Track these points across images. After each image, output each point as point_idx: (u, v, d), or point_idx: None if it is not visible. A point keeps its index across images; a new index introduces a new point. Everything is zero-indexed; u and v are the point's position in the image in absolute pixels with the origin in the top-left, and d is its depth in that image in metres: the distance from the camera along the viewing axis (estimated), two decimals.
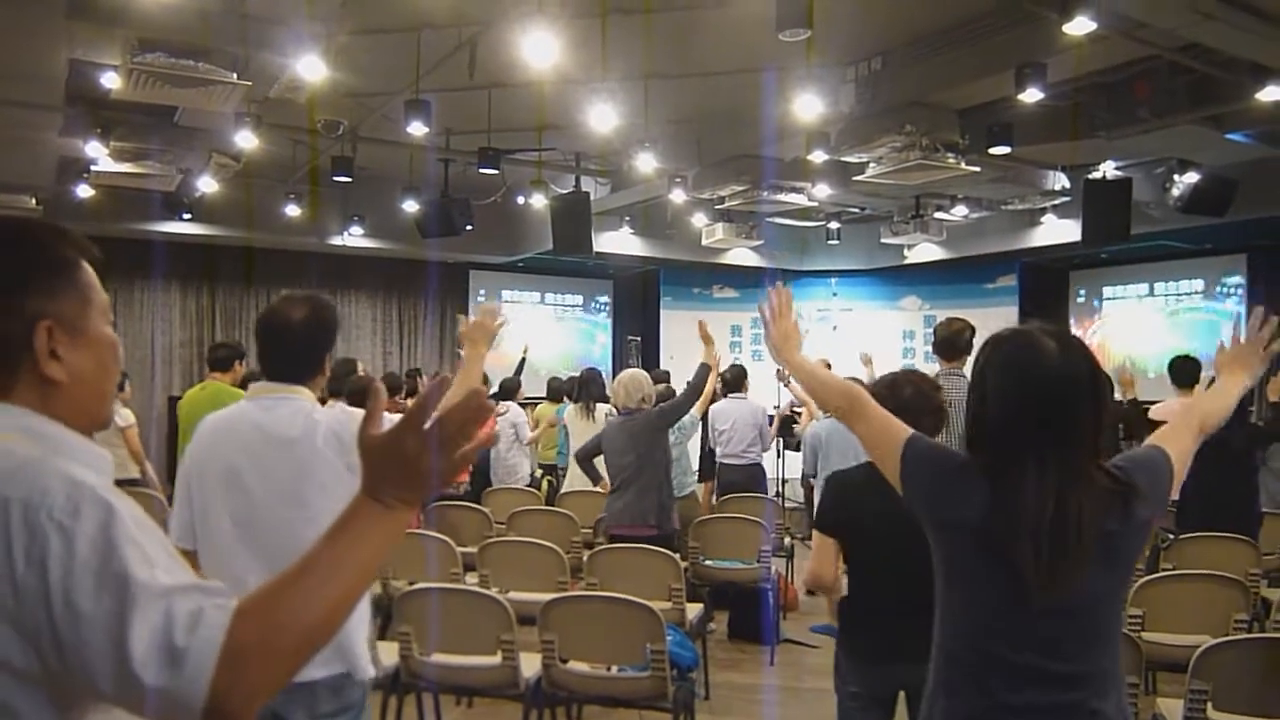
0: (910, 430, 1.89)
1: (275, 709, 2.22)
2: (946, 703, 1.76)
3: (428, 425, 1.09)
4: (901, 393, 2.83)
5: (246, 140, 7.44)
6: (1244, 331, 2.21)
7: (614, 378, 6.15)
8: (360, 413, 2.48)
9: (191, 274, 12.24)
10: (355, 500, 1.11)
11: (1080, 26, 5.16)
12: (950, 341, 4.54)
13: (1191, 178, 8.68)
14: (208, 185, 9.00)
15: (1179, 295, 12.13)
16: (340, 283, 12.92)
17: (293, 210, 10.36)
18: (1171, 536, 5.05)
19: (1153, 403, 6.02)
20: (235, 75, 5.75)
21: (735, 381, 7.41)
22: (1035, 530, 1.65)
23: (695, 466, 7.50)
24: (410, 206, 9.89)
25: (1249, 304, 11.36)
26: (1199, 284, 11.94)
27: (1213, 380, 2.19)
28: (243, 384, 6.66)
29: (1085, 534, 1.65)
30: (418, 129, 6.89)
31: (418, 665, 3.77)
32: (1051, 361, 1.71)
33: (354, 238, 11.51)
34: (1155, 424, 5.53)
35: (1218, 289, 11.76)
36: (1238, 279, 11.57)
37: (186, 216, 9.95)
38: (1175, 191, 8.82)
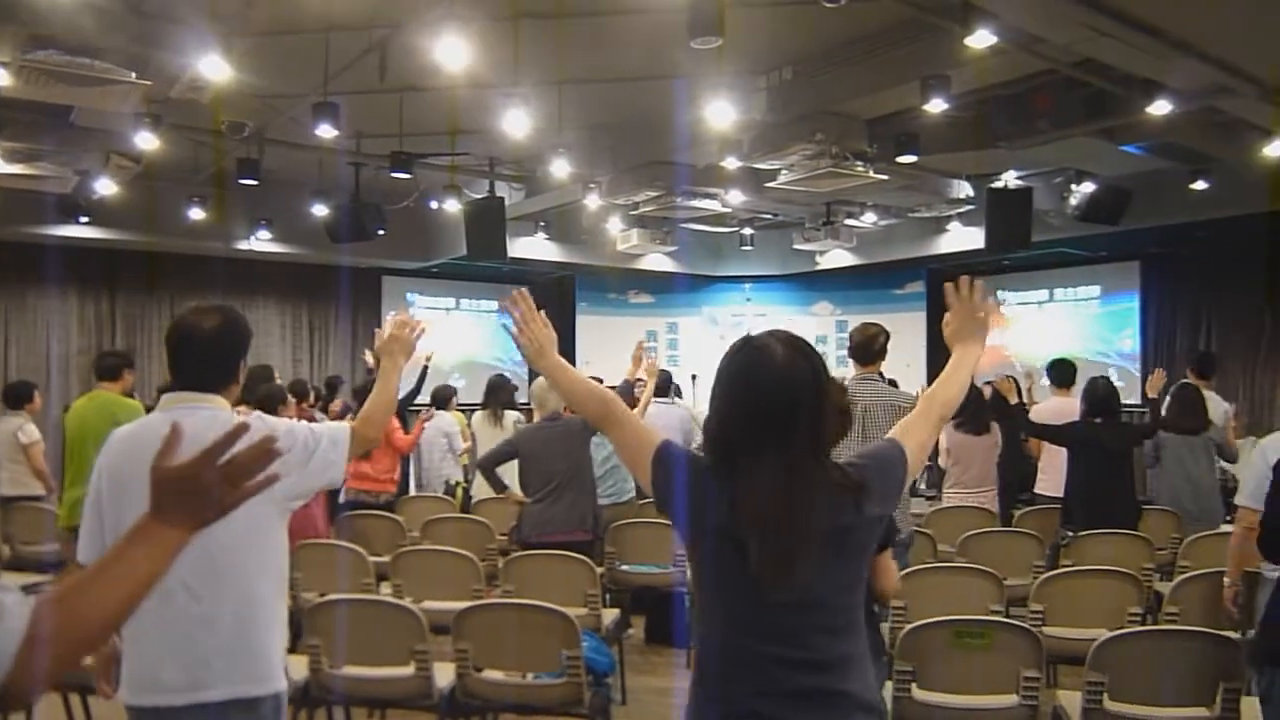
0: (661, 438, 1.94)
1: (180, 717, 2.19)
2: (703, 699, 1.82)
3: (220, 462, 1.23)
4: None
5: (147, 141, 7.21)
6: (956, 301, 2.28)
7: (529, 384, 6.10)
8: (279, 421, 2.46)
9: (90, 279, 11.78)
10: (144, 518, 1.25)
11: (981, 40, 5.34)
12: (865, 346, 4.62)
13: (1088, 187, 9.02)
14: (106, 187, 8.70)
15: (1077, 301, 12.59)
16: (248, 288, 12.58)
17: (197, 214, 10.07)
18: (1071, 534, 5.23)
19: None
20: (134, 74, 5.57)
21: (662, 386, 7.44)
22: (763, 528, 1.72)
23: None
24: (320, 211, 9.69)
25: (1142, 308, 11.88)
26: (1095, 290, 12.41)
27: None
28: (156, 394, 6.49)
29: (812, 530, 1.72)
30: (327, 132, 6.76)
31: (328, 678, 3.69)
32: (776, 365, 1.79)
33: (261, 242, 11.22)
34: (1036, 425, 5.74)
35: (1113, 295, 12.24)
36: (1131, 284, 12.06)
37: (84, 220, 9.61)
38: (1073, 201, 9.17)
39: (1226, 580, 3.61)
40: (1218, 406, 6.54)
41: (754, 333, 1.90)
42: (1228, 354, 11.06)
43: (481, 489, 7.37)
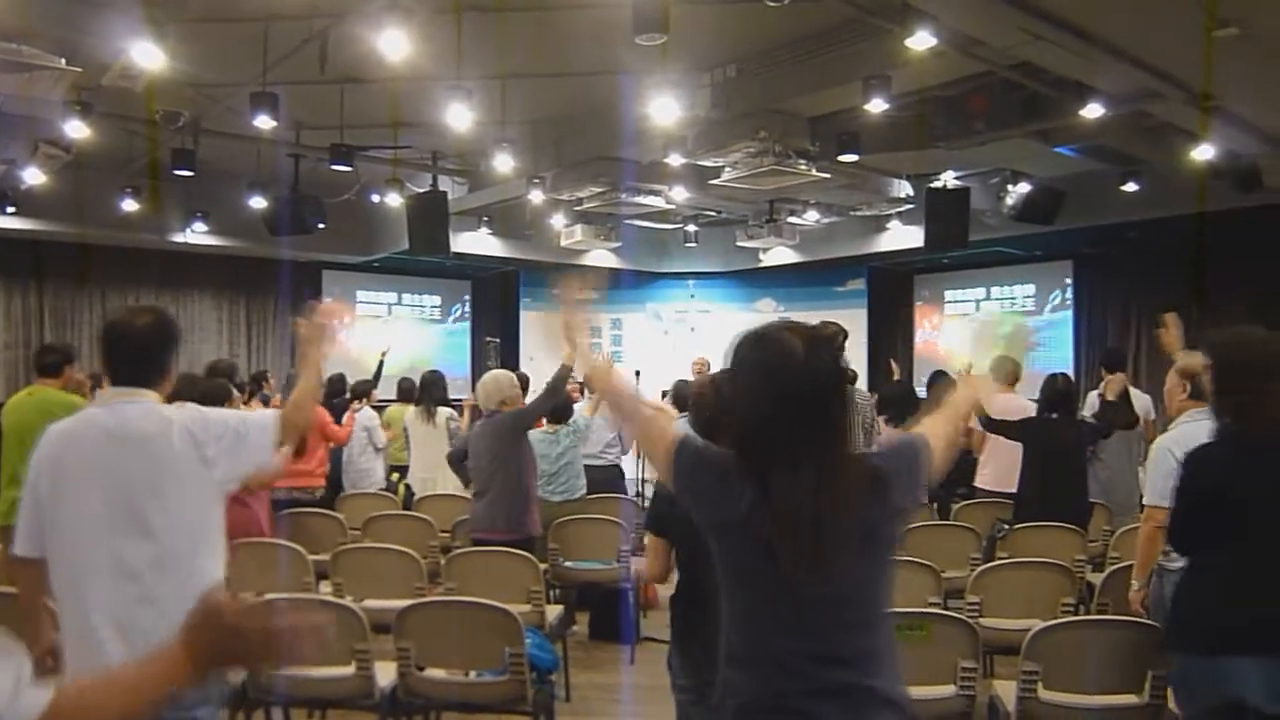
0: (678, 434, 1.93)
1: None
2: (732, 698, 1.81)
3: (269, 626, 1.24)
4: (722, 390, 2.86)
5: (77, 130, 7.01)
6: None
7: (472, 380, 6.07)
8: (211, 410, 2.47)
9: (17, 271, 11.44)
10: (171, 646, 1.27)
11: (921, 41, 5.42)
12: None
13: (1024, 188, 9.21)
14: (34, 177, 8.45)
15: (1013, 299, 12.86)
16: (183, 282, 12.33)
17: (130, 205, 9.82)
18: (1007, 527, 5.33)
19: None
20: (63, 60, 5.41)
21: (681, 400, 7.38)
22: (796, 525, 1.71)
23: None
24: (258, 203, 9.52)
25: (1075, 306, 12.16)
26: (1030, 289, 12.68)
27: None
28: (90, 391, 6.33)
29: (844, 526, 1.72)
30: (265, 122, 6.64)
31: (267, 678, 3.63)
32: (799, 360, 1.78)
33: (197, 235, 10.99)
34: (995, 421, 5.84)
35: (1047, 294, 12.52)
36: (1065, 283, 12.35)
37: (10, 210, 9.34)
38: (1009, 201, 9.35)
39: (1135, 581, 3.66)
40: (1140, 401, 6.72)
41: (767, 325, 1.88)
42: (1156, 352, 11.34)
43: (424, 485, 7.32)
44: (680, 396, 6.48)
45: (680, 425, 2.03)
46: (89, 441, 2.40)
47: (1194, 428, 3.49)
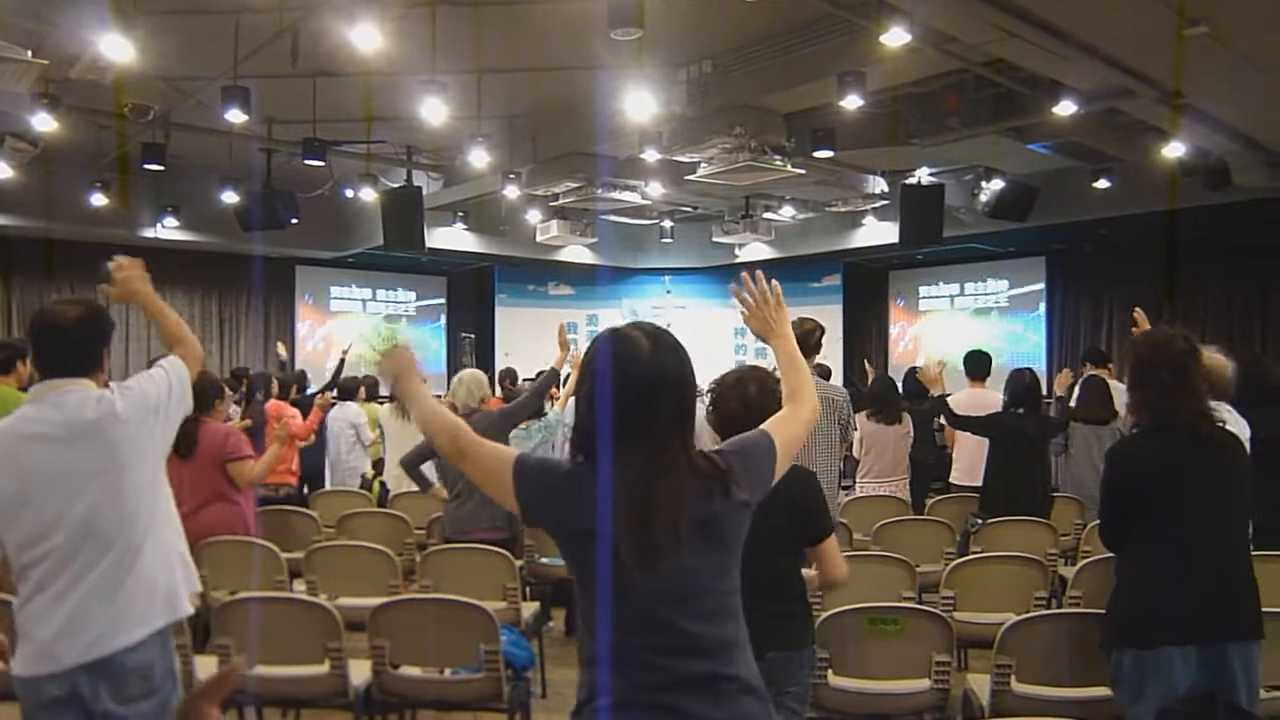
0: (514, 453, 1.92)
1: (77, 688, 2.27)
2: (594, 699, 1.81)
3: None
4: (747, 391, 2.89)
5: (44, 123, 6.91)
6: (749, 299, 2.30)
7: (448, 376, 6.01)
8: (134, 379, 2.54)
9: None
10: None
11: (896, 38, 5.44)
12: (802, 340, 4.62)
13: (997, 185, 9.28)
14: (1, 171, 8.32)
15: (986, 294, 12.95)
16: (154, 278, 11.88)
17: (99, 200, 9.70)
18: (980, 521, 5.37)
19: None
20: (29, 52, 5.33)
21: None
22: (627, 518, 1.74)
23: None
24: (230, 198, 9.43)
25: (1048, 302, 12.27)
26: (1004, 284, 12.78)
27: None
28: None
29: (676, 519, 1.74)
30: (236, 116, 6.57)
31: (239, 679, 3.60)
32: (642, 357, 1.81)
33: (168, 230, 10.87)
34: (961, 417, 5.89)
35: (1020, 289, 12.62)
36: (1037, 279, 12.46)
37: None
38: (983, 197, 9.42)
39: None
40: (1121, 395, 6.77)
41: (620, 326, 1.90)
42: (1114, 346, 11.52)
43: (400, 483, 7.26)
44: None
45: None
46: (36, 434, 2.40)
47: None
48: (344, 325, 13.35)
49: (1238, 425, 5.96)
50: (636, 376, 1.80)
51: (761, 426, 2.01)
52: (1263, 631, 2.75)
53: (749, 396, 2.87)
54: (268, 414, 6.64)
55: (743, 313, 2.28)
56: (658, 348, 1.83)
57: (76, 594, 2.31)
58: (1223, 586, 2.76)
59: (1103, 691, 3.24)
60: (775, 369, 4.25)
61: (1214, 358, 3.71)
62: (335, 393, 8.03)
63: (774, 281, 2.25)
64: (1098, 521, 5.26)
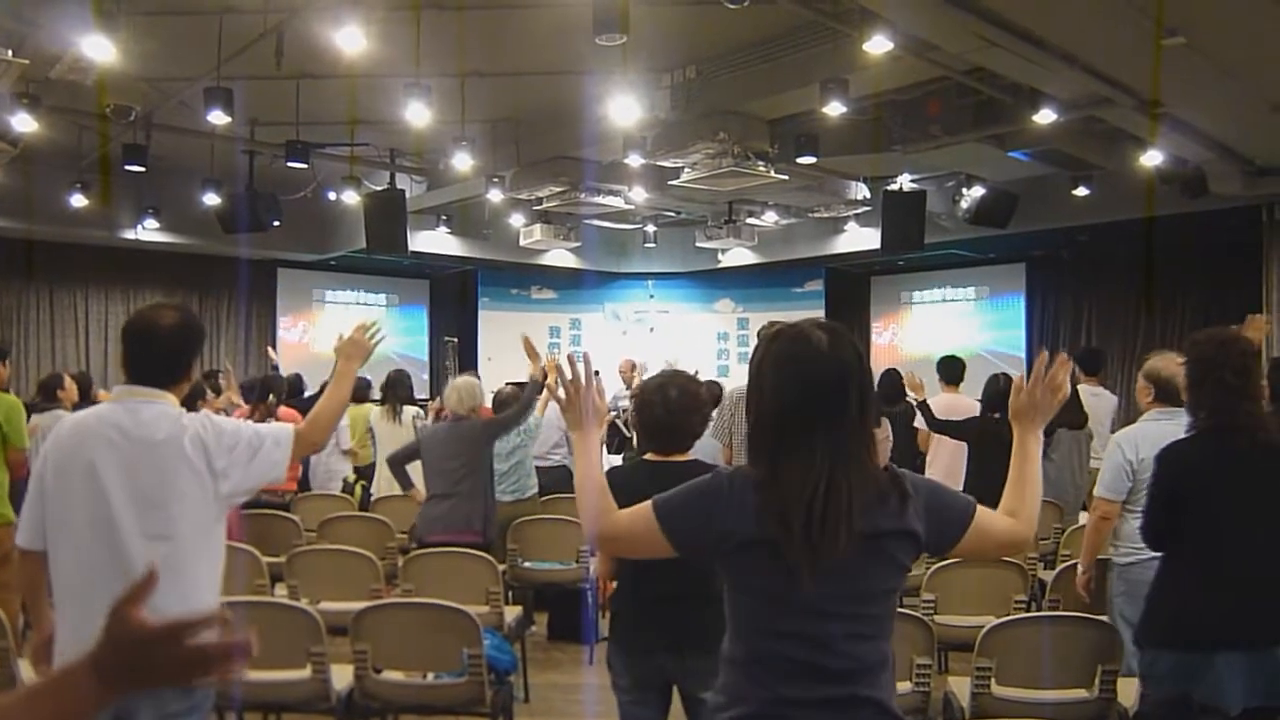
0: (647, 503, 1.86)
1: (118, 712, 2.18)
2: (732, 705, 1.79)
3: (191, 643, 1.06)
4: (669, 394, 2.86)
5: (25, 123, 6.85)
6: (1032, 371, 2.09)
7: (430, 379, 6.01)
8: (225, 421, 2.45)
9: None
10: (77, 666, 1.08)
11: (878, 46, 5.48)
12: None
13: (978, 191, 9.34)
14: None
15: (967, 301, 13.03)
16: (134, 279, 12.10)
17: (80, 200, 9.62)
18: None
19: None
20: (9, 52, 5.30)
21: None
22: (803, 508, 1.69)
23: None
24: (212, 199, 9.37)
25: (1028, 308, 12.36)
26: (984, 290, 12.87)
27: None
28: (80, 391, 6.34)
29: (853, 515, 1.69)
30: (219, 118, 6.54)
31: (220, 683, 3.58)
32: (822, 350, 1.77)
33: (149, 231, 10.80)
34: (940, 421, 5.93)
35: (1001, 296, 12.71)
36: (1017, 286, 12.55)
37: None
38: (964, 204, 9.48)
39: (1080, 567, 3.77)
40: (1109, 402, 6.82)
41: (791, 322, 1.85)
42: (1106, 353, 11.60)
43: (381, 486, 7.23)
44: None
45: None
46: (99, 440, 2.36)
47: (1151, 426, 3.56)
48: (326, 328, 13.30)
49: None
50: (816, 368, 1.75)
51: (974, 500, 1.91)
52: None
53: (670, 400, 2.84)
54: (282, 419, 6.58)
55: (1017, 386, 2.07)
56: (837, 339, 1.77)
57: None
58: (1273, 591, 2.73)
59: (1082, 694, 3.28)
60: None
61: (1163, 359, 3.72)
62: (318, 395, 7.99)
63: (1070, 363, 2.06)
64: (1077, 525, 5.35)
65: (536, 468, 6.91)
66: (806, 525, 1.69)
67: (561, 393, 2.04)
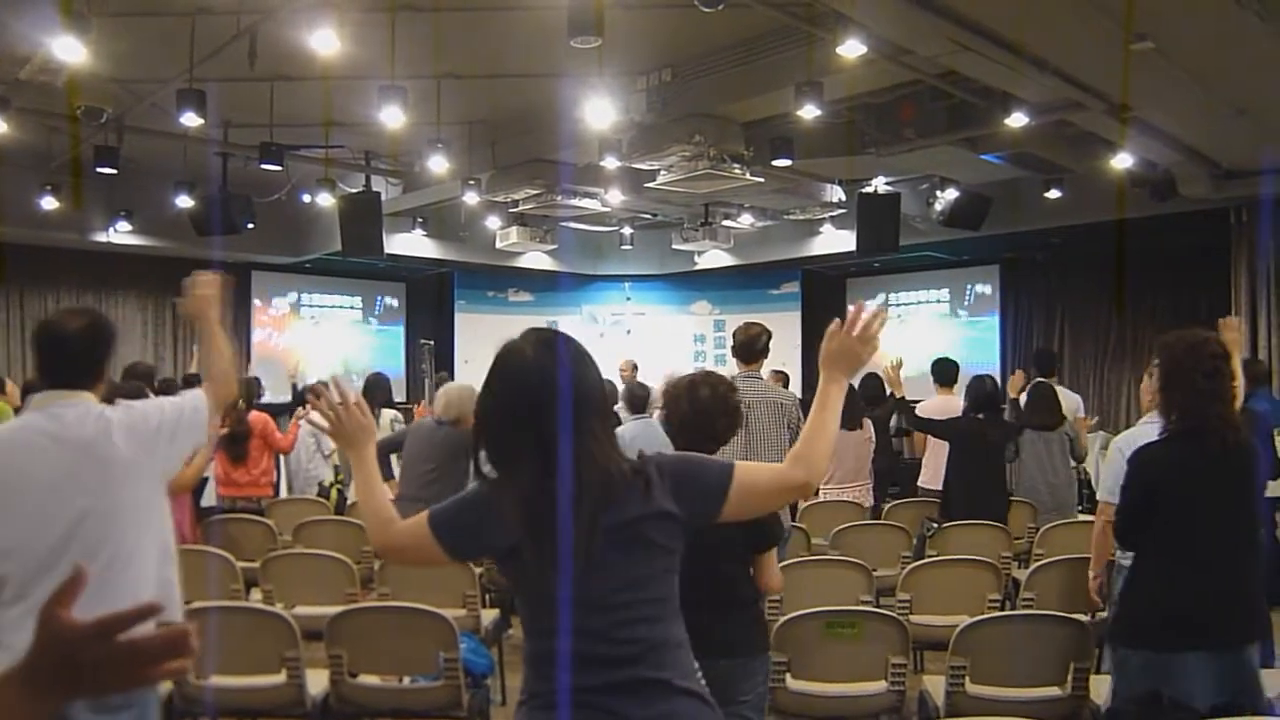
0: (424, 514, 1.88)
1: None
2: (526, 702, 1.84)
3: (120, 639, 0.99)
4: (698, 394, 2.88)
5: None
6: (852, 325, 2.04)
7: (407, 382, 5.98)
8: (142, 402, 2.48)
9: None
10: (5, 676, 1.01)
11: (852, 49, 5.52)
12: (748, 345, 4.71)
13: (951, 194, 9.41)
14: None
15: (942, 302, 13.12)
16: (105, 282, 11.96)
17: (50, 203, 9.51)
18: (935, 525, 5.45)
19: (918, 401, 6.49)
20: None
21: (639, 402, 7.34)
22: (531, 529, 1.74)
23: None
24: (185, 202, 9.30)
25: (1001, 309, 12.46)
26: (959, 291, 12.96)
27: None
28: (22, 395, 6.18)
29: (581, 522, 1.72)
30: (191, 120, 6.49)
31: (194, 689, 3.55)
32: (525, 358, 1.82)
33: (121, 234, 10.69)
34: (921, 420, 5.98)
35: (974, 297, 12.81)
36: (991, 287, 12.65)
37: None
38: (937, 206, 9.55)
39: (1091, 572, 3.77)
40: (1069, 400, 6.90)
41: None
42: (1079, 354, 11.75)
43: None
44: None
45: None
46: (30, 447, 2.39)
47: (1151, 429, 3.57)
48: (300, 331, 13.21)
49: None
50: (519, 381, 1.80)
51: (749, 464, 1.93)
52: (1271, 631, 2.79)
53: (700, 400, 2.85)
54: (252, 425, 6.54)
55: (830, 332, 2.04)
56: (541, 350, 1.82)
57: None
58: (1241, 592, 2.78)
59: (1055, 691, 3.31)
60: (734, 377, 4.27)
61: None
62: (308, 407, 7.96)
63: (883, 309, 2.08)
64: (1051, 524, 5.40)
65: None
66: (534, 527, 1.73)
67: (320, 419, 2.07)
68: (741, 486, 1.85)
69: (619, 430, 5.83)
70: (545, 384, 1.78)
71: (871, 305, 2.08)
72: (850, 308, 2.05)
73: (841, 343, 2.02)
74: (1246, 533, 2.89)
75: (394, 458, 5.76)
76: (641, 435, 5.54)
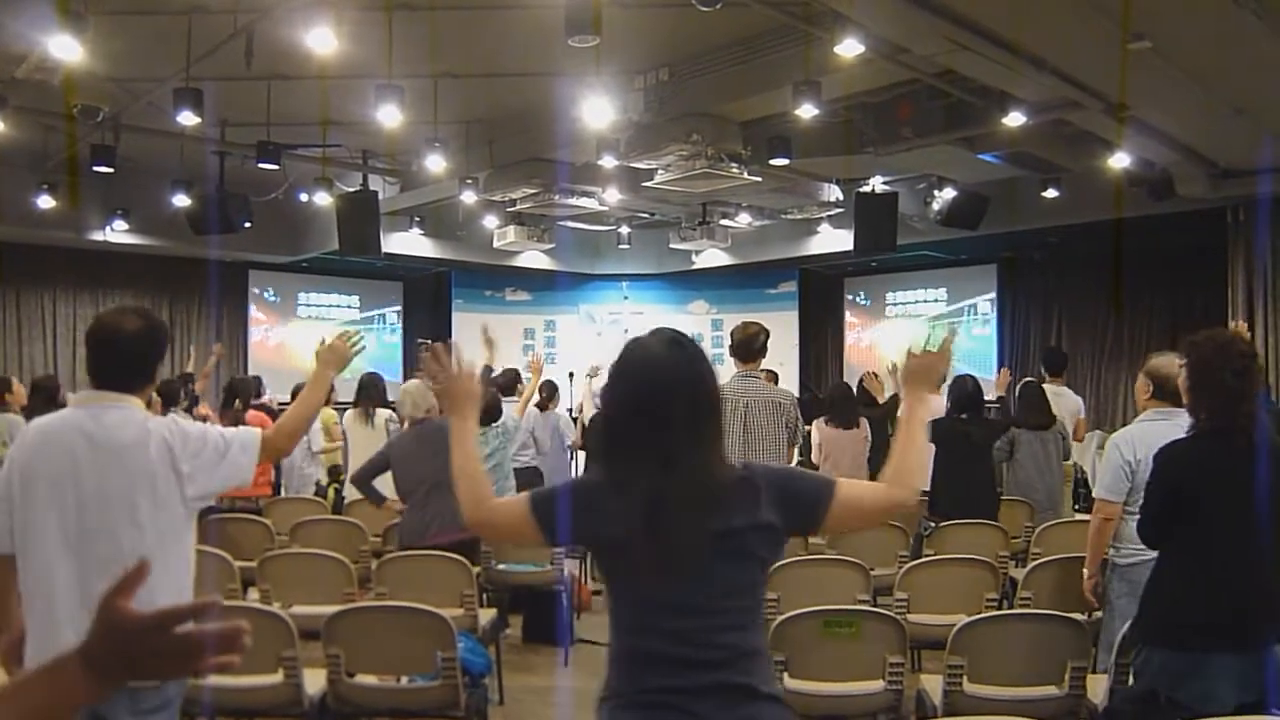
0: (525, 494, 1.92)
1: (96, 710, 2.10)
2: (614, 697, 1.83)
3: (178, 632, 1.06)
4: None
5: None
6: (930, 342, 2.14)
7: (403, 381, 5.96)
8: (192, 425, 2.44)
9: None
10: (69, 658, 1.08)
11: (850, 49, 5.52)
12: (745, 344, 4.72)
13: (949, 194, 9.41)
14: None
15: (939, 301, 13.13)
16: (101, 281, 11.96)
17: (46, 202, 9.50)
18: (932, 525, 5.45)
19: None
20: None
21: (508, 385, 7.35)
22: (642, 528, 1.74)
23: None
24: (181, 201, 9.29)
25: (997, 309, 12.47)
26: (956, 291, 12.97)
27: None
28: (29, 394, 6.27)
29: (690, 529, 1.73)
30: (188, 119, 6.48)
31: (192, 690, 3.54)
32: (650, 359, 1.83)
33: (117, 233, 10.69)
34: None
35: (971, 296, 12.82)
36: (988, 286, 12.66)
37: None
38: (935, 206, 9.55)
39: (1086, 571, 3.76)
40: (1071, 401, 6.89)
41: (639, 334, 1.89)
42: (1076, 352, 11.75)
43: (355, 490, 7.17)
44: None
45: None
46: (65, 444, 2.36)
47: (1149, 426, 3.56)
48: (297, 331, 13.20)
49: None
50: (645, 378, 1.80)
51: (843, 479, 1.93)
52: None
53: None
54: (250, 424, 6.51)
55: (910, 352, 2.10)
56: (669, 349, 1.83)
57: (75, 619, 2.24)
58: (1266, 593, 2.76)
59: (1052, 690, 3.31)
60: (733, 376, 4.26)
61: (1164, 358, 3.75)
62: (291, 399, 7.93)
63: (949, 336, 2.13)
64: (1051, 522, 5.40)
65: None
66: (645, 539, 1.73)
67: (432, 381, 2.09)
68: (843, 502, 1.86)
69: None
70: (671, 381, 1.79)
71: (940, 333, 2.17)
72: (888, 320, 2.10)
73: (921, 361, 2.09)
74: (1272, 532, 2.87)
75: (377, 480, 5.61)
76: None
